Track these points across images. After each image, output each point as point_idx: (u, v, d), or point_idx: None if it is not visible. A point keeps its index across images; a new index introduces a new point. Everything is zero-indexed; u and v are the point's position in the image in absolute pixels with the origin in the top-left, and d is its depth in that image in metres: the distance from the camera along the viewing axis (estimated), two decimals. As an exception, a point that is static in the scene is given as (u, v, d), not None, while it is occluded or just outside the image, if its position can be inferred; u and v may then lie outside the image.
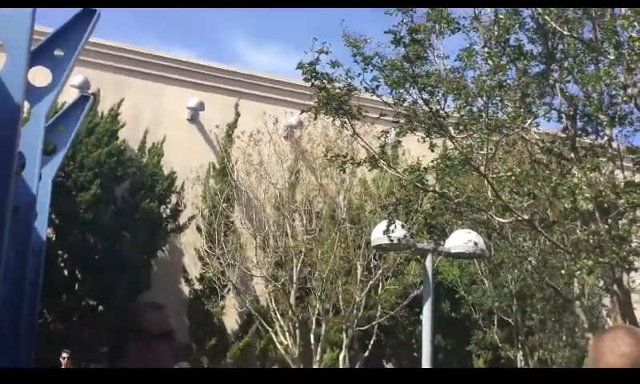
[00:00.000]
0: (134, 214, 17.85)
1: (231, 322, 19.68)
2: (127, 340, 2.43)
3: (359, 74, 7.89)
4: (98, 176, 17.23)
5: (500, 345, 17.49)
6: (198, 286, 19.24)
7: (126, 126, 18.70)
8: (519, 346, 16.73)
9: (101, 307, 17.18)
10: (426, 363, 11.40)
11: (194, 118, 20.73)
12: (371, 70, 7.93)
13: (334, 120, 8.38)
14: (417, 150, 10.33)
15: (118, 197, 18.11)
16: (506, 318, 16.80)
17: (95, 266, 17.18)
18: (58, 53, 6.86)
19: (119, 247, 17.41)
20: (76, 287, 17.43)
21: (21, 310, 12.15)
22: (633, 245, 7.71)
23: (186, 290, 19.52)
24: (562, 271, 9.32)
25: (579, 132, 8.02)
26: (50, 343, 15.58)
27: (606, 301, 10.67)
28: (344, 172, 10.39)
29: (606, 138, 7.96)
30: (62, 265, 17.43)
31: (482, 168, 7.78)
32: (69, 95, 15.78)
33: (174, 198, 19.17)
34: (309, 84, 7.96)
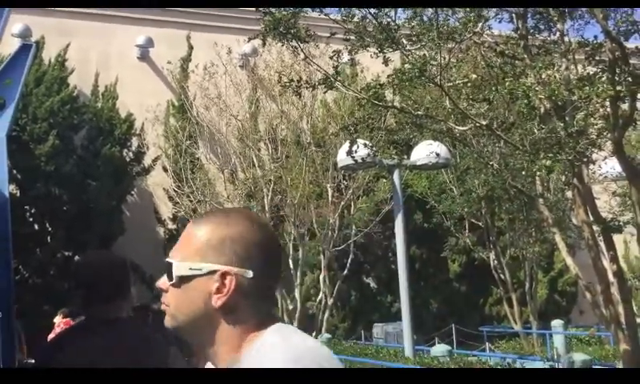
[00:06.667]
0: (95, 161, 17.56)
1: (209, 257, 19.81)
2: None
3: (305, -7, 7.62)
4: (54, 126, 16.81)
5: (472, 248, 17.97)
6: (171, 226, 19.24)
7: (75, 71, 18.09)
8: (491, 246, 17.20)
9: (77, 257, 17.15)
10: (402, 274, 11.70)
11: (144, 56, 20.10)
12: (317, -12, 7.66)
13: (283, 45, 8.15)
14: (375, 66, 10.16)
15: (77, 145, 17.75)
16: (476, 221, 17.18)
17: (64, 218, 17.03)
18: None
19: (86, 196, 17.20)
20: (49, 240, 17.31)
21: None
22: (590, 138, 7.81)
23: (160, 231, 19.51)
24: (523, 172, 9.46)
25: (531, 30, 7.93)
26: (32, 296, 15.61)
27: (570, 194, 10.91)
28: (299, 97, 10.21)
29: (557, 33, 7.88)
30: (31, 220, 17.23)
31: (437, 78, 7.68)
32: (12, 47, 15.13)
33: (135, 141, 18.84)
34: (254, 9, 7.69)
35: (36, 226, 17.28)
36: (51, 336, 9.12)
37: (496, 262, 17.11)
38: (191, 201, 17.27)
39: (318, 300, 17.77)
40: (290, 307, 16.78)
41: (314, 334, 16.80)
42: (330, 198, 17.02)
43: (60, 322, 10.05)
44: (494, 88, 7.53)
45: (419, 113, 8.88)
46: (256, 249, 1.31)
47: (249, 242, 1.31)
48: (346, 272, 17.87)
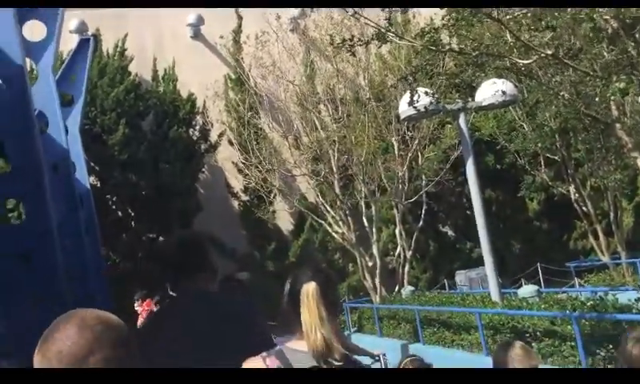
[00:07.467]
0: (164, 144, 18.05)
1: (285, 223, 20.13)
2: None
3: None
4: (122, 115, 17.35)
5: (551, 183, 17.37)
6: (244, 197, 19.63)
7: (134, 59, 18.52)
8: (570, 180, 16.57)
9: (161, 238, 17.75)
10: (479, 218, 11.45)
11: (196, 35, 20.34)
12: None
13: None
14: (427, 10, 9.86)
15: (147, 131, 18.27)
16: (551, 156, 16.57)
17: (144, 202, 17.65)
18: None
19: (161, 179, 17.76)
20: (133, 225, 18.02)
21: (86, 258, 12.29)
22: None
23: (234, 203, 19.94)
24: (597, 98, 8.97)
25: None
26: (124, 282, 16.36)
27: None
28: (354, 55, 10.02)
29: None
30: (114, 207, 17.97)
31: (494, 12, 7.33)
32: (71, 43, 15.61)
33: (199, 119, 19.21)
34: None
35: (119, 213, 18.02)
36: (140, 322, 8.98)
37: (577, 195, 16.49)
38: (260, 171, 17.51)
39: (396, 254, 17.75)
40: (370, 264, 16.85)
41: (397, 287, 16.85)
42: (396, 152, 16.83)
43: (141, 307, 9.79)
44: (556, 14, 7.13)
45: (479, 52, 8.54)
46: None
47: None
48: (421, 223, 17.73)
